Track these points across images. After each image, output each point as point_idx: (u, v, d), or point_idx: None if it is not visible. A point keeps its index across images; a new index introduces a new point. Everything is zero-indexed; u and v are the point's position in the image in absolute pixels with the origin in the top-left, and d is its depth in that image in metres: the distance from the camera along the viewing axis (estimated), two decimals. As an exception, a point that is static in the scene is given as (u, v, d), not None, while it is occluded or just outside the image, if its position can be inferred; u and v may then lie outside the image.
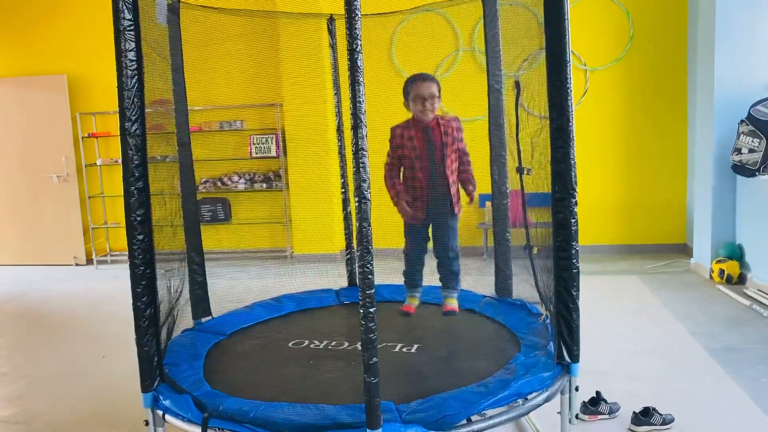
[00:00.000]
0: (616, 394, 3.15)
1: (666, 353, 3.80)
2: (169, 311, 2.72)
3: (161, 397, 2.37)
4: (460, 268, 3.13)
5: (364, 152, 1.92)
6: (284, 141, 6.77)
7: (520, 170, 2.88)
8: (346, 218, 3.81)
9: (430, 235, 3.08)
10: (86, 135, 7.13)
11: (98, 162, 7.20)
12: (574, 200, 2.39)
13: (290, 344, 2.96)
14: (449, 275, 3.12)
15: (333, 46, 3.67)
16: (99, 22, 7.17)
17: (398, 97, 3.08)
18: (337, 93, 3.74)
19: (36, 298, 6.02)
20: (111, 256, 7.36)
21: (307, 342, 2.97)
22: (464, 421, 2.14)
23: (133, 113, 2.27)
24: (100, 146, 7.30)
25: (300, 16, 3.85)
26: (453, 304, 3.12)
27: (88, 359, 4.19)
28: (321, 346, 2.91)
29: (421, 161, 2.93)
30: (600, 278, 5.72)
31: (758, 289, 4.85)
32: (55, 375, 3.93)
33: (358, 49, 1.88)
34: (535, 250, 2.94)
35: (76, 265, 7.33)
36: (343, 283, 3.96)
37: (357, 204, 1.93)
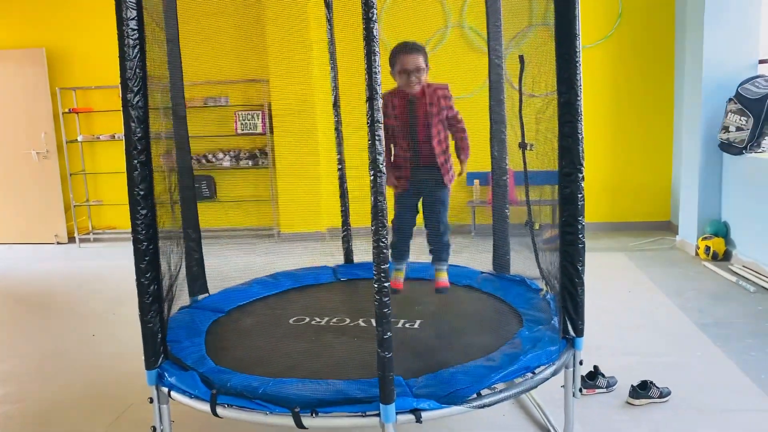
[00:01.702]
0: (611, 369, 3.19)
1: (657, 328, 3.86)
2: (168, 288, 2.68)
3: (166, 374, 2.33)
4: (450, 241, 3.12)
5: (379, 124, 1.89)
6: (270, 117, 6.68)
7: (522, 146, 2.87)
8: (343, 195, 3.77)
9: (420, 208, 3.05)
10: (66, 111, 6.96)
11: (79, 138, 7.04)
12: (581, 175, 2.39)
13: (291, 321, 2.94)
14: (440, 248, 3.09)
15: (330, 20, 3.60)
16: (78, -7, 6.98)
17: (385, 75, 3.03)
18: (334, 67, 3.68)
19: (18, 277, 5.91)
20: (93, 234, 7.24)
21: (307, 319, 2.95)
22: (474, 395, 2.14)
23: (135, 84, 2.21)
24: (81, 122, 7.13)
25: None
26: (444, 278, 3.11)
27: (76, 338, 4.13)
28: (323, 323, 2.89)
29: (404, 131, 2.89)
30: (587, 255, 5.77)
31: (743, 266, 4.94)
32: (45, 354, 3.87)
33: (373, 18, 1.85)
34: (536, 226, 2.95)
35: (58, 243, 7.20)
36: (334, 260, 3.93)
37: (372, 177, 1.91)
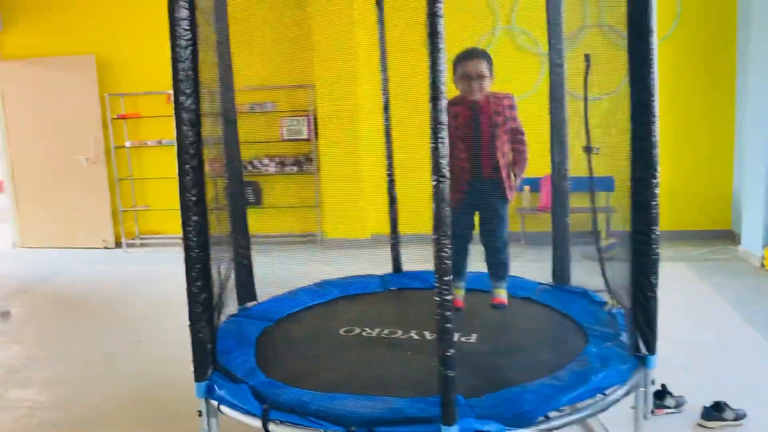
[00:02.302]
0: (679, 387, 3.00)
1: (724, 343, 3.63)
2: (218, 296, 2.60)
3: (216, 387, 2.24)
4: (509, 258, 2.97)
5: (443, 126, 1.77)
6: (316, 123, 6.62)
7: (588, 149, 2.71)
8: (392, 201, 3.65)
9: (477, 223, 2.91)
10: (115, 117, 7.04)
11: (127, 144, 7.11)
12: (655, 181, 2.23)
13: (341, 331, 2.83)
14: (498, 265, 2.96)
15: (381, 19, 3.50)
16: (128, 1, 7.05)
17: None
18: (384, 70, 3.58)
19: (66, 281, 5.96)
20: (140, 239, 7.29)
21: (357, 329, 2.83)
22: (542, 417, 2.00)
23: (188, 86, 2.13)
24: (129, 128, 7.20)
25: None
26: (502, 295, 2.96)
27: (121, 343, 4.11)
28: (374, 334, 2.77)
29: (466, 141, 2.75)
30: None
31: (815, 278, 4.65)
32: (91, 359, 3.85)
33: (439, 13, 1.73)
34: (604, 236, 2.78)
35: (105, 248, 7.27)
36: (379, 268, 3.80)
37: (434, 184, 1.78)
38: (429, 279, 3.47)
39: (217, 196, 2.67)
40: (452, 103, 2.78)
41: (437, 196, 1.76)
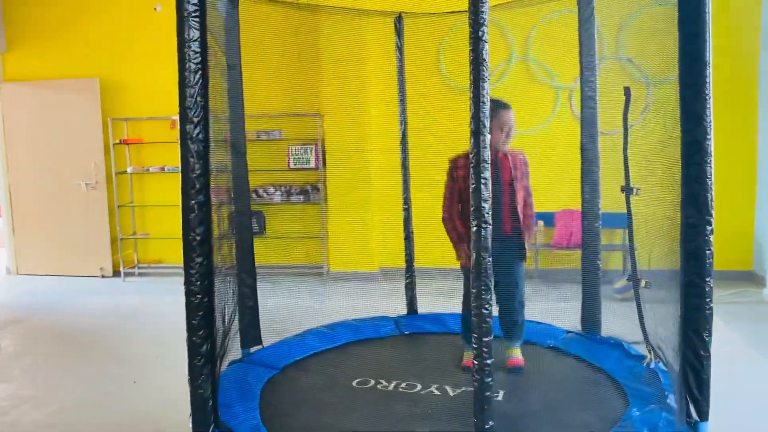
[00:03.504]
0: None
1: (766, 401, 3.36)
2: (221, 343, 2.36)
3: (217, 450, 2.00)
4: (524, 319, 2.76)
5: (487, 165, 1.56)
6: (324, 152, 6.44)
7: (627, 190, 2.50)
8: (408, 238, 3.43)
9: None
10: (117, 141, 6.85)
11: (129, 170, 6.91)
12: (710, 228, 2.02)
13: (354, 383, 2.59)
14: (513, 326, 2.74)
15: (400, 48, 3.32)
16: (134, 24, 6.92)
17: (448, 112, 2.74)
18: (402, 99, 3.39)
19: (62, 312, 5.70)
20: (139, 268, 7.05)
21: (372, 381, 2.60)
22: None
23: (196, 114, 1.93)
24: (131, 153, 7.01)
25: (359, 13, 3.50)
26: (518, 356, 2.74)
27: (119, 382, 3.84)
28: (390, 388, 2.54)
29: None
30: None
31: None
32: (84, 402, 3.59)
33: (484, 38, 1.53)
34: (643, 283, 2.55)
35: (103, 276, 7.02)
36: (389, 302, 3.58)
37: (475, 229, 1.57)
38: (446, 322, 3.25)
39: (220, 227, 2.46)
40: (468, 156, 2.61)
41: (478, 243, 1.54)
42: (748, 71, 5.93)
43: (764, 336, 4.42)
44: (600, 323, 2.98)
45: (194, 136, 1.93)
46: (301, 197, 6.56)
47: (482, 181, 1.53)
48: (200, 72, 1.93)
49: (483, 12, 1.49)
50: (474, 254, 1.54)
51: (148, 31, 6.78)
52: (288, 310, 3.59)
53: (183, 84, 1.92)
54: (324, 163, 6.46)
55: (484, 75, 1.52)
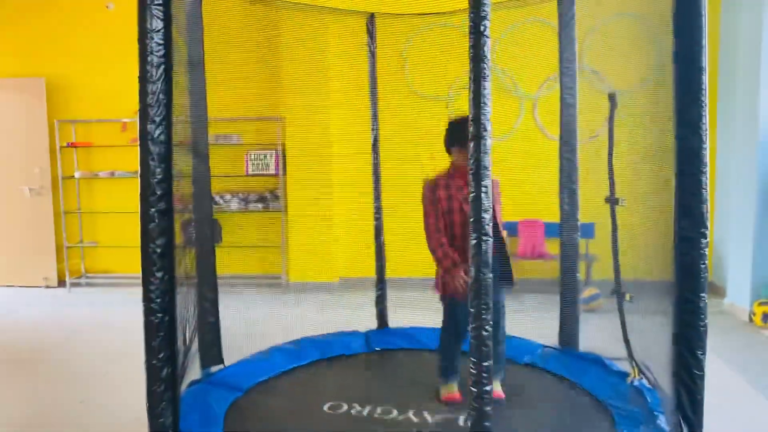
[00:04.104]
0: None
1: (739, 413, 3.32)
2: (182, 363, 2.16)
3: (178, 486, 1.80)
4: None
5: (488, 172, 1.42)
6: (284, 157, 6.23)
7: (612, 201, 2.41)
8: (379, 249, 3.28)
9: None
10: (65, 145, 6.49)
11: (76, 175, 6.55)
12: (705, 241, 1.93)
13: (326, 407, 2.42)
14: (498, 359, 2.61)
15: (372, 51, 3.18)
16: (83, 21, 6.58)
17: (414, 123, 2.60)
18: (374, 102, 3.25)
19: (1, 325, 5.33)
20: (86, 278, 6.69)
21: (345, 406, 2.43)
22: None
23: (158, 113, 1.74)
24: (80, 157, 6.66)
25: (324, 11, 3.32)
26: (499, 390, 2.60)
27: (64, 402, 3.56)
28: (365, 414, 2.37)
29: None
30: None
31: (810, 336, 4.44)
32: (27, 421, 3.30)
33: (485, 32, 1.39)
34: (628, 297, 2.46)
35: (47, 287, 6.63)
36: (356, 318, 3.41)
37: (474, 242, 1.42)
38: (418, 337, 3.10)
39: (183, 236, 2.26)
40: (448, 177, 2.48)
41: (478, 258, 1.40)
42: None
43: (729, 345, 4.42)
44: (578, 339, 2.89)
45: (155, 136, 1.74)
46: (260, 205, 6.34)
47: (483, 189, 1.39)
48: (163, 66, 1.74)
49: (485, 4, 1.36)
50: (473, 270, 1.40)
51: (98, 28, 6.47)
52: (250, 326, 3.39)
53: (144, 79, 1.72)
54: (284, 170, 6.25)
55: (485, 73, 1.39)
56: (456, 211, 2.42)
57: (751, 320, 4.93)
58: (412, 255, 3.58)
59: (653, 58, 2.53)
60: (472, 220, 1.41)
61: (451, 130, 2.48)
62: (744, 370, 3.95)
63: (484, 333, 1.41)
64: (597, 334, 2.75)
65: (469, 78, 1.39)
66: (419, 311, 3.27)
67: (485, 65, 1.38)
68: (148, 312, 1.77)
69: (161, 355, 1.78)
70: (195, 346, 2.56)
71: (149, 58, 1.70)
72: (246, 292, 5.98)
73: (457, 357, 2.58)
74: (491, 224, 1.42)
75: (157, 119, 1.74)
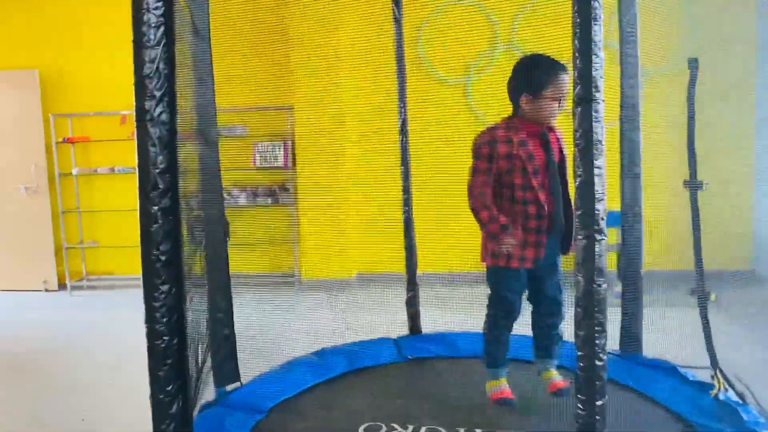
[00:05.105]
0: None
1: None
2: (195, 388, 1.82)
3: None
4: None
5: (602, 147, 1.07)
6: (294, 149, 5.88)
7: (693, 184, 2.06)
8: (410, 247, 2.94)
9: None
10: (61, 140, 6.15)
11: (74, 171, 6.21)
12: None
13: (361, 430, 2.08)
14: (553, 339, 2.28)
15: (398, 20, 2.83)
16: (78, 10, 6.23)
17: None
18: (402, 81, 2.89)
19: (1, 333, 5.02)
20: (87, 281, 6.37)
21: (384, 427, 2.09)
22: None
23: (157, 86, 1.39)
24: (77, 153, 6.32)
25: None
26: (559, 378, 2.27)
27: (65, 417, 3.24)
28: (408, 435, 2.03)
29: (542, 177, 2.08)
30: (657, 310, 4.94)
31: None
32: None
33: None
34: (713, 297, 2.12)
35: (46, 290, 6.31)
36: (381, 319, 3.08)
37: (584, 243, 1.08)
38: (455, 343, 2.75)
39: (197, 248, 1.92)
40: (510, 129, 2.12)
41: (590, 264, 1.06)
42: (744, 66, 5.63)
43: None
44: (642, 343, 2.54)
45: (156, 116, 1.39)
46: (269, 199, 6.00)
47: (596, 172, 1.04)
48: (164, 28, 1.39)
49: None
50: (582, 279, 1.06)
51: (95, 16, 6.11)
52: (266, 334, 3.05)
53: (140, 44, 1.37)
54: (294, 162, 5.91)
55: (596, 13, 1.04)
56: (517, 170, 2.06)
57: (802, 311, 4.58)
58: (445, 246, 3.24)
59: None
60: (579, 212, 1.08)
61: (519, 72, 2.12)
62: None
63: (598, 363, 1.07)
64: (663, 337, 2.41)
65: (573, 22, 1.04)
66: (453, 311, 2.93)
67: (597, 2, 1.03)
68: (153, 335, 1.43)
69: (170, 388, 1.44)
70: (208, 363, 2.22)
71: (145, 17, 1.35)
72: (258, 293, 5.64)
73: (507, 343, 2.25)
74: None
75: (158, 94, 1.39)
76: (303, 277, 5.99)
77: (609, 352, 2.52)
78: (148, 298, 1.43)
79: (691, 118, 2.03)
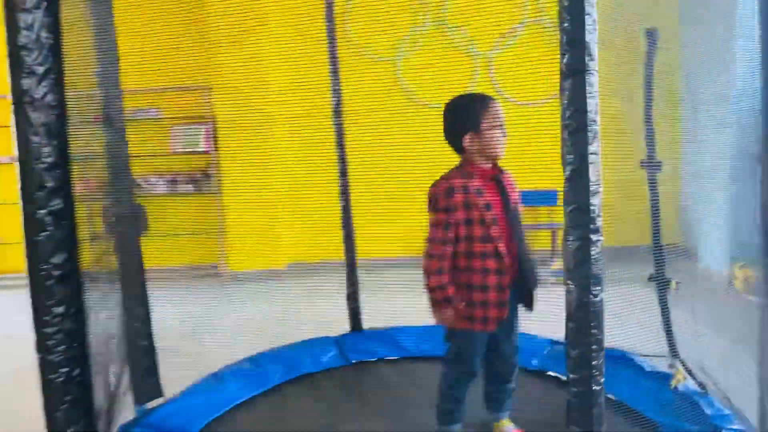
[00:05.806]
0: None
1: None
2: (107, 414, 1.55)
3: None
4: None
5: (596, 128, 0.88)
6: (215, 132, 5.52)
7: (650, 165, 1.93)
8: (348, 237, 2.72)
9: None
10: (-49, 126, 5.53)
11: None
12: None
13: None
14: (507, 393, 2.10)
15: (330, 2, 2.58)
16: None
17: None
18: (334, 63, 2.65)
19: None
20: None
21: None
22: None
23: (38, 60, 1.10)
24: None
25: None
26: (511, 427, 2.10)
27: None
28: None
29: (502, 226, 1.87)
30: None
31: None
32: None
33: None
34: (674, 285, 2.01)
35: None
36: (317, 311, 2.87)
37: (577, 247, 0.89)
38: (401, 341, 2.56)
39: (104, 252, 1.63)
40: (464, 176, 1.88)
41: (585, 270, 0.88)
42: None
43: (714, 313, 4.12)
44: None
45: (39, 97, 1.10)
46: (191, 186, 5.63)
47: (590, 159, 0.86)
48: (44, -15, 1.10)
49: None
50: (575, 289, 0.87)
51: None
52: (191, 339, 2.77)
53: (12, 5, 1.08)
54: (216, 146, 5.55)
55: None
56: (476, 222, 1.85)
57: (731, 284, 4.67)
58: (385, 230, 3.03)
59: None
60: (570, 208, 0.89)
61: (452, 115, 1.91)
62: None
63: (595, 389, 0.89)
64: (611, 321, 2.29)
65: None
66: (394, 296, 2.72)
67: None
68: (47, 368, 1.15)
69: (71, 431, 1.17)
70: (125, 379, 1.94)
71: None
72: (182, 290, 5.28)
73: (465, 400, 2.05)
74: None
75: (39, 70, 1.10)
76: (230, 268, 5.67)
77: (556, 342, 2.41)
78: (39, 324, 1.15)
79: (648, 93, 1.90)
